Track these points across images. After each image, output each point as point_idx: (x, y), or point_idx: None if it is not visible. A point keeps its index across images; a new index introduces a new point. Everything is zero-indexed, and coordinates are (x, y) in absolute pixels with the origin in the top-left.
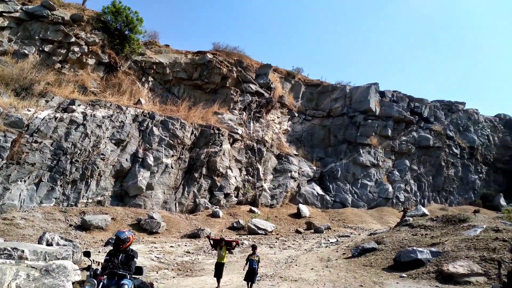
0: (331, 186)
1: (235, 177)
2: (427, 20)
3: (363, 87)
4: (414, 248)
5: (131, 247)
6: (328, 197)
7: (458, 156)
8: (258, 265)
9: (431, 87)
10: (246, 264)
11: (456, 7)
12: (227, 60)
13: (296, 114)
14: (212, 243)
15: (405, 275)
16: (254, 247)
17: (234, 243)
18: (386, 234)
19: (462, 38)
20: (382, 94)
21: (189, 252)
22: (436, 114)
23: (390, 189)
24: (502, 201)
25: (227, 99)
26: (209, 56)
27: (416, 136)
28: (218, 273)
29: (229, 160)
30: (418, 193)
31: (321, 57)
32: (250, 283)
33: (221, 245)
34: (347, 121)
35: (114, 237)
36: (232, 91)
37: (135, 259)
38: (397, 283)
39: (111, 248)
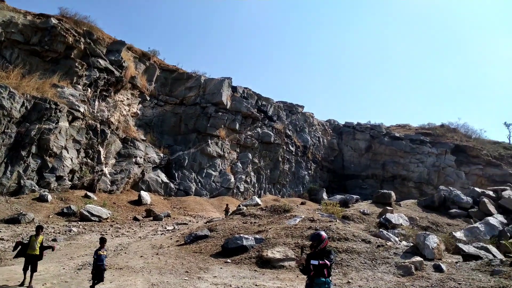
0: (176, 174)
1: (72, 159)
2: (280, 23)
3: (217, 80)
4: (241, 235)
5: None
6: (172, 185)
7: (293, 153)
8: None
9: (277, 88)
10: (94, 260)
11: (303, 13)
12: (75, 29)
13: (148, 98)
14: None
15: (230, 261)
16: (103, 241)
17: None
18: (220, 222)
19: (306, 46)
20: (234, 89)
21: (2, 239)
22: (279, 113)
23: (233, 179)
24: (325, 195)
25: (71, 72)
26: (54, 21)
27: (260, 132)
28: (26, 266)
29: (66, 139)
30: (256, 185)
31: (179, 43)
32: (97, 281)
33: (38, 234)
34: (199, 111)
35: None
36: (77, 64)
37: None
38: (220, 268)
39: None
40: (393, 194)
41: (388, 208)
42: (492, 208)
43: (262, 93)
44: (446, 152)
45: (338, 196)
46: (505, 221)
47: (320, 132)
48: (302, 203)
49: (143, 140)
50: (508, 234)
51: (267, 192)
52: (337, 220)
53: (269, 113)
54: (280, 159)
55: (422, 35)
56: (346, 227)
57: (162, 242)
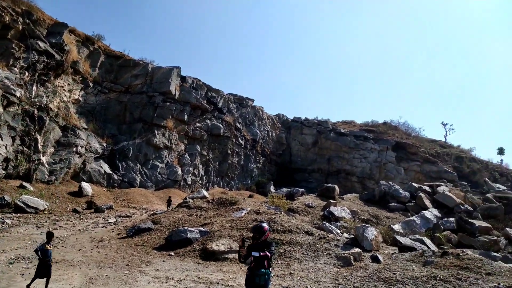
0: (120, 165)
1: (6, 147)
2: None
3: (165, 69)
4: (186, 228)
5: None
6: (116, 176)
7: (243, 146)
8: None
9: (227, 80)
10: (39, 255)
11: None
12: (12, 7)
13: (91, 84)
14: None
15: (173, 254)
16: (50, 235)
17: None
18: (164, 215)
19: (258, 39)
20: (183, 79)
21: None
22: (229, 106)
23: (180, 171)
24: (272, 188)
25: (7, 53)
26: None
27: (209, 124)
28: None
29: (0, 125)
30: (204, 177)
31: (126, 29)
32: (46, 277)
33: None
34: (146, 100)
35: None
36: (14, 45)
37: None
38: (163, 261)
39: None
40: (337, 188)
41: (332, 201)
42: (428, 203)
43: (212, 85)
44: (387, 148)
45: (285, 189)
46: (439, 215)
47: (269, 126)
48: (250, 196)
49: (85, 128)
50: (442, 227)
51: (215, 185)
52: (283, 212)
53: (219, 105)
54: (229, 152)
55: (369, 35)
56: (291, 220)
57: (103, 235)
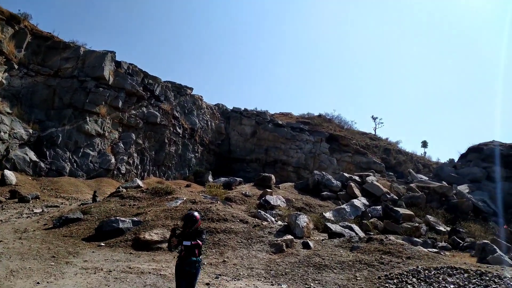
0: (48, 153)
1: None
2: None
3: (98, 53)
4: (118, 218)
5: None
6: (43, 164)
7: (180, 135)
8: None
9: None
10: None
11: None
12: None
13: (16, 66)
14: None
15: (103, 244)
16: None
17: None
18: (95, 205)
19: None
20: (118, 64)
21: None
22: (167, 94)
23: (113, 160)
24: (210, 178)
25: None
26: None
27: (145, 112)
28: None
29: None
30: (140, 166)
31: (56, 8)
32: None
33: None
34: (77, 85)
35: None
36: None
37: None
38: (92, 252)
39: None
40: (273, 177)
41: (268, 190)
42: (357, 192)
43: (149, 72)
44: (321, 140)
45: (223, 179)
46: (367, 203)
47: (208, 116)
48: (187, 186)
49: (8, 113)
50: (370, 214)
51: (151, 175)
52: (219, 202)
53: (156, 93)
54: (166, 140)
55: (308, 30)
56: (226, 209)
57: (27, 226)
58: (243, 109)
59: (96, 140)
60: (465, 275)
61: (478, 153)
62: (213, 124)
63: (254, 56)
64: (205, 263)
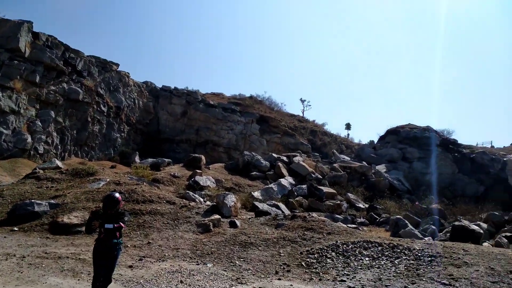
0: None
1: None
2: None
3: (13, 22)
4: (33, 200)
5: None
6: None
7: (105, 114)
8: None
9: (89, 41)
10: None
11: None
12: None
13: None
14: None
15: (17, 229)
16: None
17: None
18: (8, 187)
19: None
20: (35, 35)
21: None
22: (90, 69)
23: (29, 139)
24: (137, 159)
25: None
26: None
27: (66, 88)
28: None
29: None
30: (59, 146)
31: None
32: None
33: None
34: None
35: None
36: None
37: None
38: (4, 237)
39: None
40: (203, 158)
41: (198, 171)
42: (284, 171)
43: (71, 45)
44: (252, 121)
45: (150, 160)
46: (294, 182)
47: (135, 94)
48: (112, 167)
49: None
50: (295, 193)
51: (73, 155)
52: (145, 183)
53: (79, 68)
54: (89, 119)
55: (241, 14)
56: (153, 190)
57: None
58: (173, 87)
59: (10, 117)
60: (379, 248)
61: (396, 135)
62: (140, 102)
63: (185, 33)
64: (129, 245)
